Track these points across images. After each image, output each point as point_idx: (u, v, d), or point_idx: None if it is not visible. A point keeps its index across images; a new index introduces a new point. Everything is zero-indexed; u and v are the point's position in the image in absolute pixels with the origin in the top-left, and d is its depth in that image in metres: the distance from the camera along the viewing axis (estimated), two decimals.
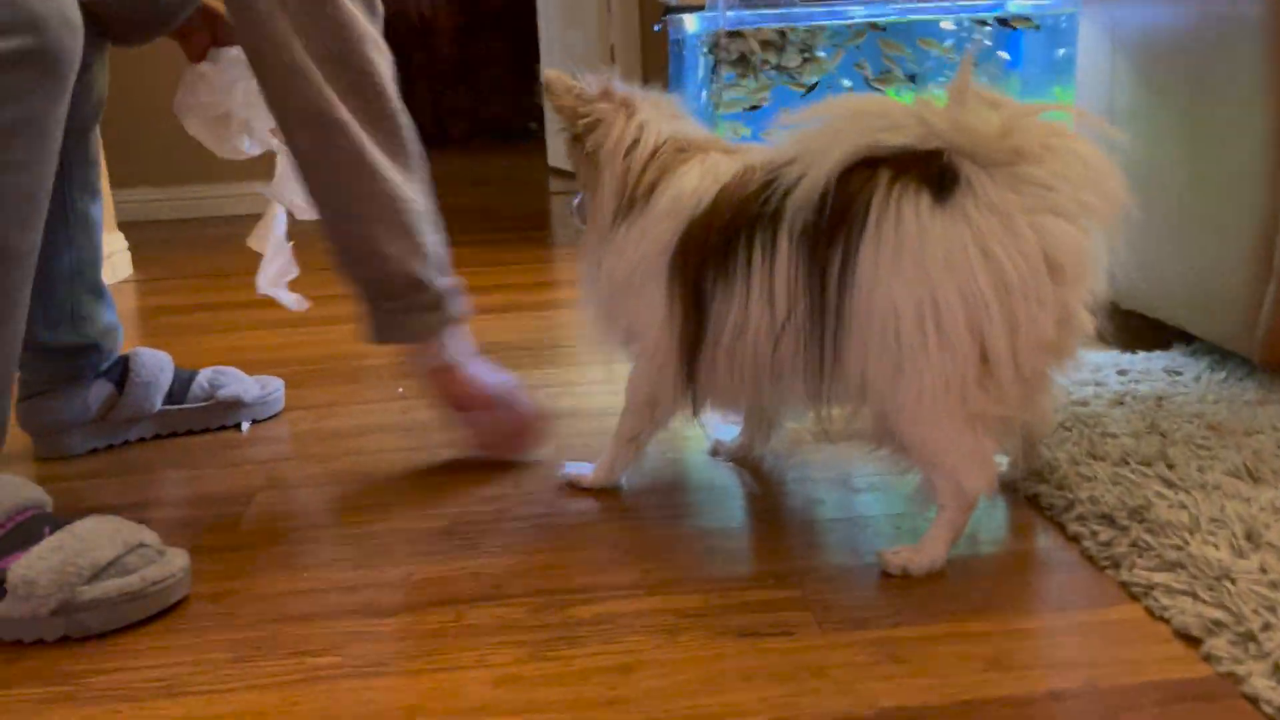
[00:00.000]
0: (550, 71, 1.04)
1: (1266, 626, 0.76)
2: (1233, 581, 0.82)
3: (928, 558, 0.89)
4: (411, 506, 1.08)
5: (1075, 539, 0.94)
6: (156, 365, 1.30)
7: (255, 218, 1.32)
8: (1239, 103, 1.18)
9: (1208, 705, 0.71)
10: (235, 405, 1.34)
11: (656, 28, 1.39)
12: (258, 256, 1.31)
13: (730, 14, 1.30)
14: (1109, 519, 0.94)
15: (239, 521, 1.06)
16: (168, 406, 1.31)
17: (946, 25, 1.40)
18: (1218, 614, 0.79)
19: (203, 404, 1.33)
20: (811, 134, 0.91)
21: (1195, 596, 0.81)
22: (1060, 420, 1.17)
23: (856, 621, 0.83)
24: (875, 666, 0.77)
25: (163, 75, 1.44)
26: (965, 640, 0.80)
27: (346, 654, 0.81)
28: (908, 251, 0.83)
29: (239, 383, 1.35)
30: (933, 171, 0.84)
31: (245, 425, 1.35)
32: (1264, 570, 0.83)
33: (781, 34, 1.33)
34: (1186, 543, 0.88)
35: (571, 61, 3.59)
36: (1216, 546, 0.87)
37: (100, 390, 1.26)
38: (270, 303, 1.34)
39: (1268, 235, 1.17)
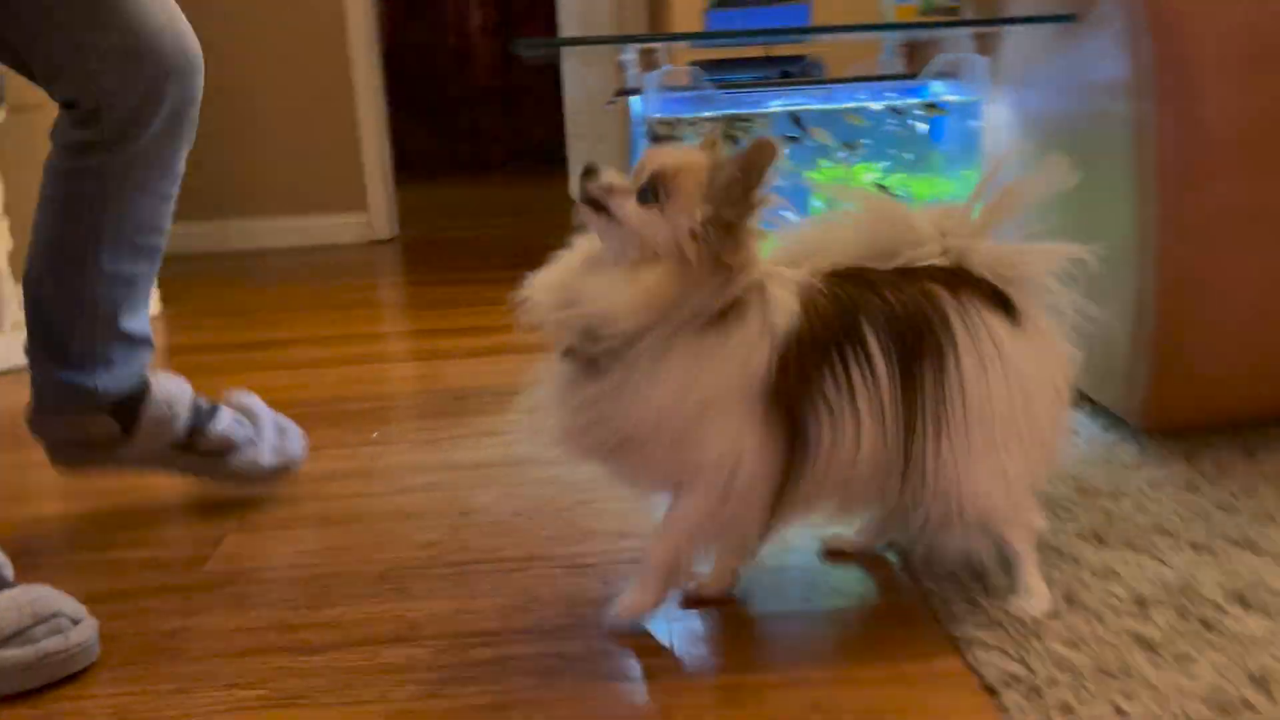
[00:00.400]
0: (769, 140, 0.91)
1: (1053, 682, 0.88)
2: (1039, 639, 0.94)
3: (1045, 599, 1.00)
4: (356, 551, 1.23)
5: (925, 595, 1.06)
6: (164, 415, 1.29)
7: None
8: (1114, 188, 1.28)
9: None
10: (248, 475, 1.35)
11: (608, 105, 1.52)
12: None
13: (661, 101, 1.44)
14: (954, 577, 1.06)
15: (206, 561, 1.21)
16: (179, 453, 1.32)
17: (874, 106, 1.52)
18: (1016, 668, 0.90)
19: (214, 458, 1.33)
20: (833, 226, 1.04)
21: (1003, 652, 0.93)
22: None
23: (713, 670, 0.96)
24: (712, 709, 0.90)
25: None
26: (799, 686, 0.92)
27: (271, 688, 0.95)
28: (1001, 361, 0.97)
29: (252, 449, 1.35)
30: (988, 290, 0.99)
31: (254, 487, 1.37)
32: (1069, 630, 0.95)
33: (710, 121, 1.46)
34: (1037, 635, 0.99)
35: (588, 93, 3.78)
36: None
37: (107, 427, 1.27)
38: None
39: (1141, 310, 1.27)
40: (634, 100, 1.56)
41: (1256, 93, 1.16)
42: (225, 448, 1.33)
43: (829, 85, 1.57)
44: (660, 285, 0.91)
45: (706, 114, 1.46)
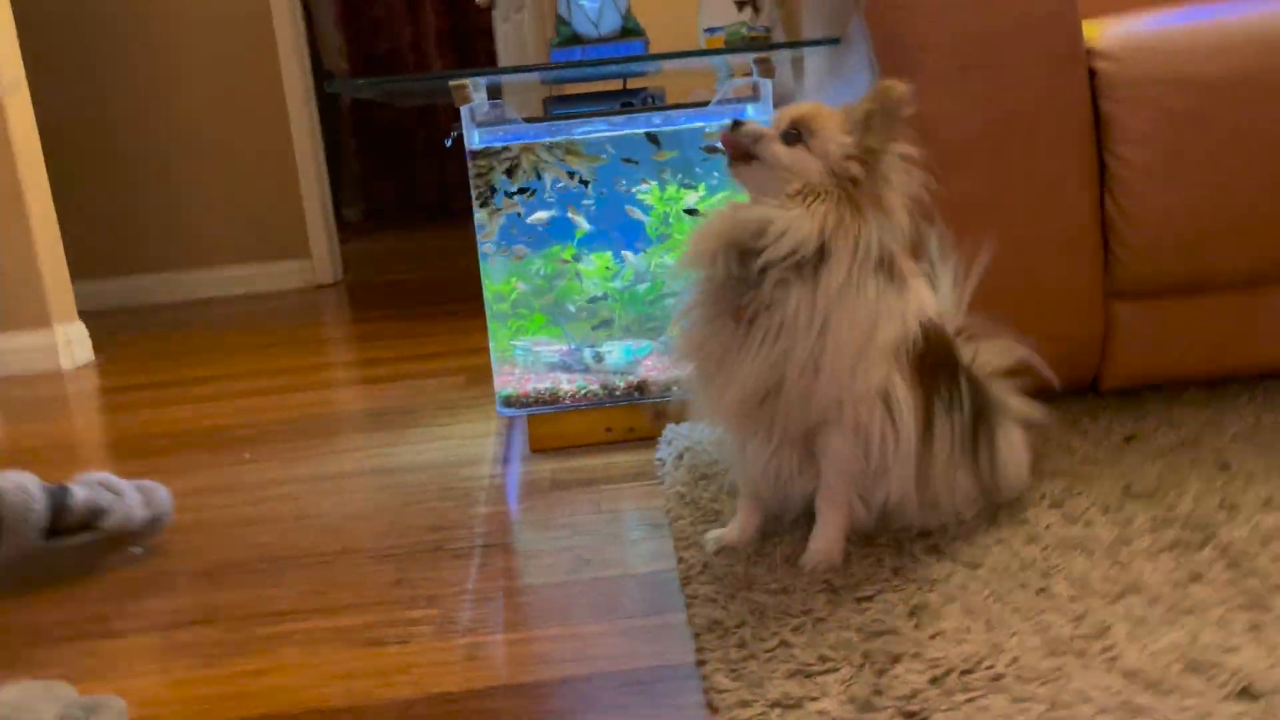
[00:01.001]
0: (895, 83, 1.03)
1: (742, 623, 0.98)
2: (749, 589, 1.05)
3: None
4: (188, 553, 1.35)
5: (686, 564, 1.16)
6: (23, 503, 1.27)
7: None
8: None
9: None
10: (124, 532, 1.34)
11: (448, 142, 1.65)
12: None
13: (482, 133, 1.57)
14: (700, 545, 1.17)
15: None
16: (49, 541, 1.30)
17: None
18: (720, 614, 1.01)
19: (89, 537, 1.32)
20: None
21: (715, 602, 1.04)
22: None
23: (461, 631, 1.07)
24: (454, 665, 1.01)
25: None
26: (533, 642, 1.04)
27: (72, 667, 1.07)
28: None
29: (122, 506, 1.33)
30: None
31: (138, 549, 1.37)
32: (777, 581, 1.06)
33: (527, 150, 1.59)
34: (749, 586, 1.11)
35: None
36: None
37: None
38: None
39: None
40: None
41: (968, 98, 1.29)
42: (93, 515, 1.32)
43: (663, 111, 1.70)
44: (824, 209, 1.01)
45: (526, 141, 1.59)
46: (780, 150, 1.05)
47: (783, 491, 1.14)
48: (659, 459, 1.50)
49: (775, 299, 1.03)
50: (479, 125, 1.57)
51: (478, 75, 1.54)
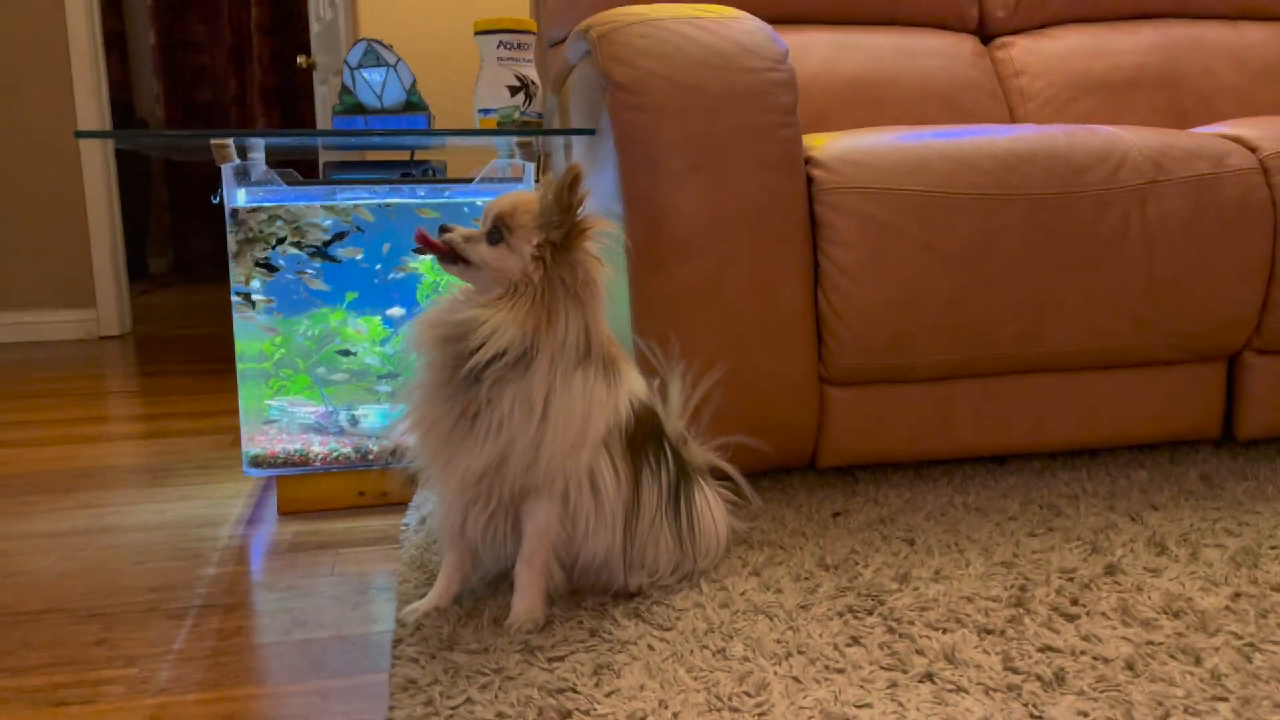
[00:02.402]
0: (578, 166, 1.07)
1: (435, 681, 1.01)
2: (451, 650, 1.07)
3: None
4: None
5: (416, 625, 1.18)
6: None
7: None
8: (622, 272, 1.50)
9: None
10: None
11: (214, 199, 1.65)
12: None
13: (243, 193, 1.58)
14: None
15: None
16: None
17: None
18: (417, 673, 1.03)
19: None
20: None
21: (415, 661, 1.06)
22: None
23: (160, 691, 1.05)
24: None
25: None
26: (225, 702, 1.03)
27: None
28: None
29: None
30: None
31: None
32: (479, 642, 1.09)
33: (290, 211, 1.61)
34: (451, 646, 1.14)
35: None
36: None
37: None
38: None
39: None
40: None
41: (696, 195, 1.40)
42: None
43: (438, 184, 1.75)
44: (526, 309, 1.08)
45: (289, 204, 1.61)
46: (485, 252, 1.11)
47: (499, 550, 1.19)
48: (405, 524, 1.51)
49: (493, 395, 1.10)
50: (249, 186, 1.58)
51: (244, 136, 1.56)
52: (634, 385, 1.18)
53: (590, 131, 1.57)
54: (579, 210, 1.08)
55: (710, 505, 1.28)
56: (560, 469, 1.11)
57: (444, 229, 1.13)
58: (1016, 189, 1.48)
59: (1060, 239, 1.49)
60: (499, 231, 1.11)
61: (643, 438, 1.18)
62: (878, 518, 1.45)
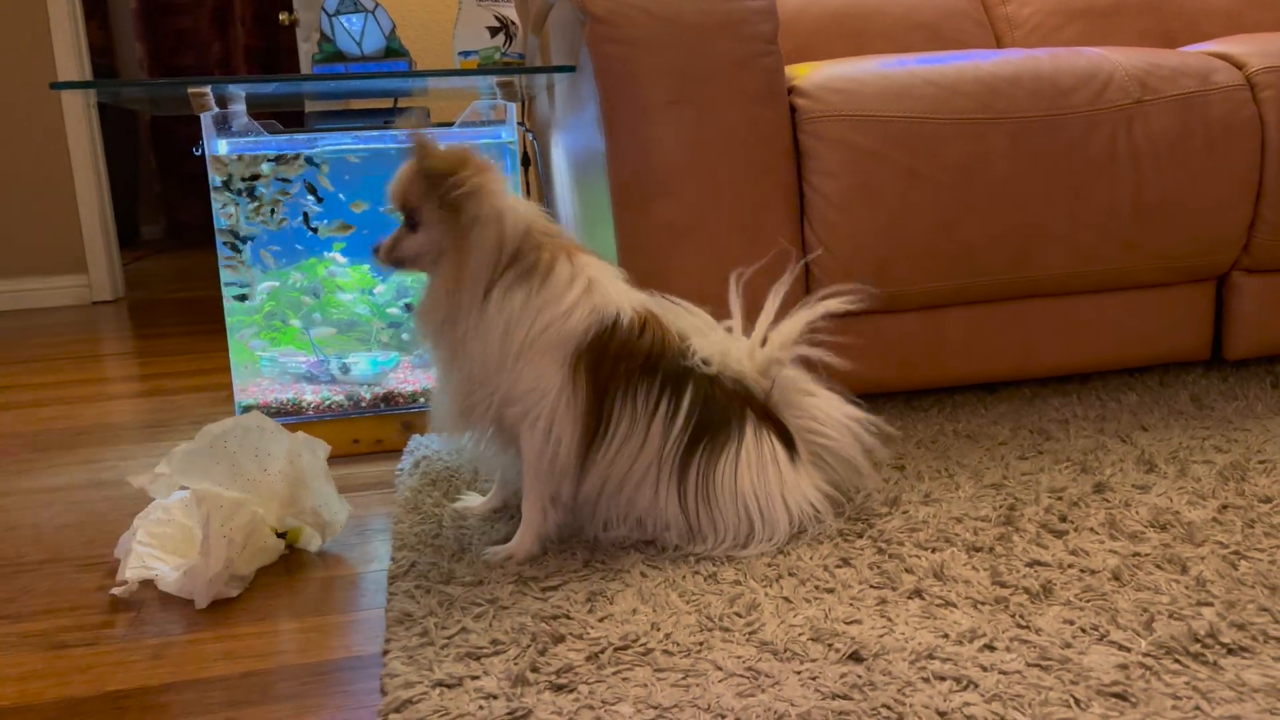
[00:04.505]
0: (418, 135, 1.11)
1: (430, 613, 1.02)
2: (446, 584, 1.09)
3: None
4: None
5: (411, 561, 1.19)
6: None
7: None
8: (603, 210, 1.49)
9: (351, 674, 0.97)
10: None
11: (196, 151, 1.64)
12: None
13: (224, 141, 1.57)
14: (420, 548, 1.21)
15: None
16: None
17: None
18: (412, 606, 1.05)
19: None
20: None
21: (411, 596, 1.08)
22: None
23: (160, 632, 1.07)
24: (134, 664, 1.00)
25: None
26: (228, 640, 1.04)
27: None
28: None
29: None
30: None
31: None
32: (474, 575, 1.10)
33: (272, 159, 1.60)
34: (447, 581, 1.15)
35: None
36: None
37: None
38: None
39: None
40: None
41: (677, 129, 1.39)
42: None
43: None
44: (448, 270, 1.12)
45: (270, 151, 1.60)
46: (412, 243, 1.17)
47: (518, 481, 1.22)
48: (399, 469, 1.52)
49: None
50: (229, 136, 1.57)
51: (223, 84, 1.54)
52: (603, 300, 1.13)
53: (571, 68, 1.55)
54: (444, 171, 1.11)
55: (769, 477, 1.16)
56: (502, 389, 1.13)
57: (374, 249, 1.19)
58: (1002, 113, 1.47)
59: (1047, 162, 1.49)
60: (411, 218, 1.16)
61: (619, 361, 1.12)
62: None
